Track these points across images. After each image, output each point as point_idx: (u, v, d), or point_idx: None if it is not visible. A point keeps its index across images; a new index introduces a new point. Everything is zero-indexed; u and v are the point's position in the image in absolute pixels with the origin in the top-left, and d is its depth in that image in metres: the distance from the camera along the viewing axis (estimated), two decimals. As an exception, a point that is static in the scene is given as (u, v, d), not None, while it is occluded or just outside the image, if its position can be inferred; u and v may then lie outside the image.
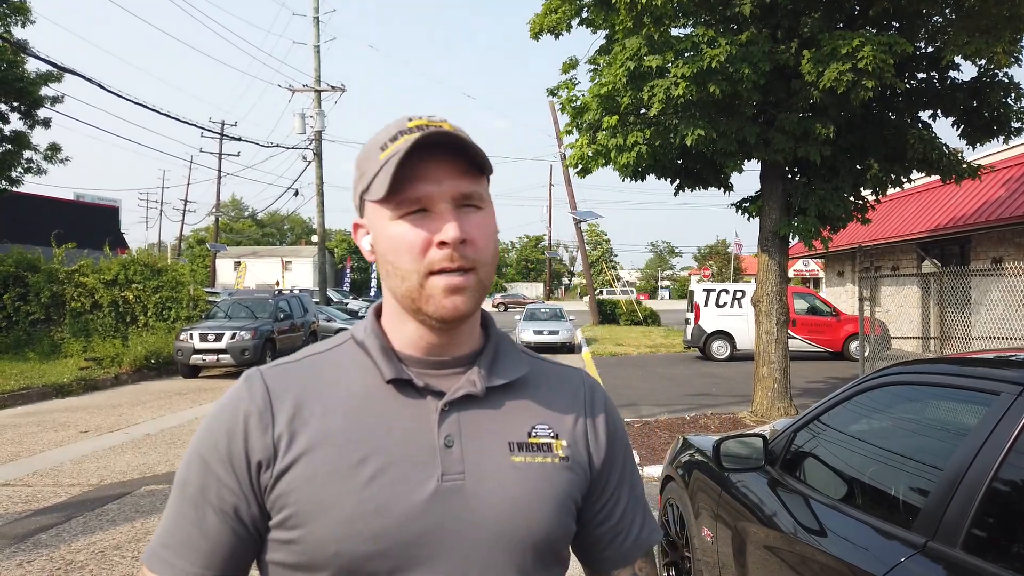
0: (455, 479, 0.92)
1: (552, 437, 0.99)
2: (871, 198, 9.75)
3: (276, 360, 1.01)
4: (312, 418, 0.92)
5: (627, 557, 1.07)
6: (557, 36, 9.32)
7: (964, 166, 8.80)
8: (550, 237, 62.54)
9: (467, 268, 0.91)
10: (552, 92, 9.62)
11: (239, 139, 29.18)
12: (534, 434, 0.98)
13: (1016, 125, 8.60)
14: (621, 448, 1.07)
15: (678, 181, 9.87)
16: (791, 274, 25.14)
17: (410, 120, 0.94)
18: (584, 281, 36.55)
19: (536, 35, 9.34)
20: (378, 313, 1.03)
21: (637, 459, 7.29)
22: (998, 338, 9.57)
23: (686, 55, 7.65)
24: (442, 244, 0.90)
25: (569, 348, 20.59)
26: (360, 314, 27.99)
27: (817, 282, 33.03)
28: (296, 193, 31.48)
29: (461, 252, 0.90)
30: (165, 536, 0.93)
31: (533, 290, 73.58)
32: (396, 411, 0.94)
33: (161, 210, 59.51)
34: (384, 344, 0.98)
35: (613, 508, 1.05)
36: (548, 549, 0.96)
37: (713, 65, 7.26)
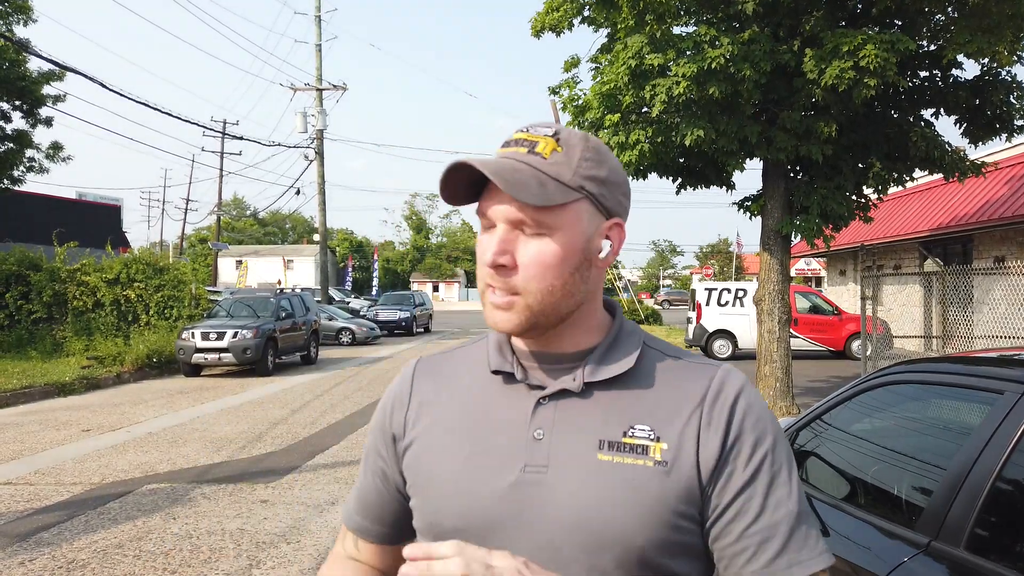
0: (537, 471, 0.93)
1: (652, 440, 0.92)
2: (873, 197, 9.73)
3: (442, 349, 1.15)
4: (437, 403, 1.04)
5: None
6: (559, 34, 9.32)
7: (967, 163, 8.79)
8: (551, 236, 62.38)
9: (509, 291, 0.93)
10: (554, 91, 9.62)
11: (241, 138, 29.18)
12: (631, 434, 0.93)
13: (1019, 123, 8.59)
14: (751, 455, 0.92)
15: (680, 180, 9.87)
16: (793, 273, 25.13)
17: (519, 131, 0.97)
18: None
19: (538, 33, 9.34)
20: None
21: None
22: (1000, 337, 9.56)
23: (688, 54, 7.64)
24: (487, 263, 0.94)
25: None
26: (361, 313, 28.00)
27: (819, 281, 33.01)
28: (298, 192, 31.58)
29: (501, 275, 0.93)
30: (353, 494, 1.15)
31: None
32: (498, 401, 1.00)
33: (163, 209, 59.56)
34: (502, 337, 1.04)
35: (732, 523, 0.91)
36: (631, 556, 0.88)
37: (714, 66, 7.25)
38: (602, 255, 0.97)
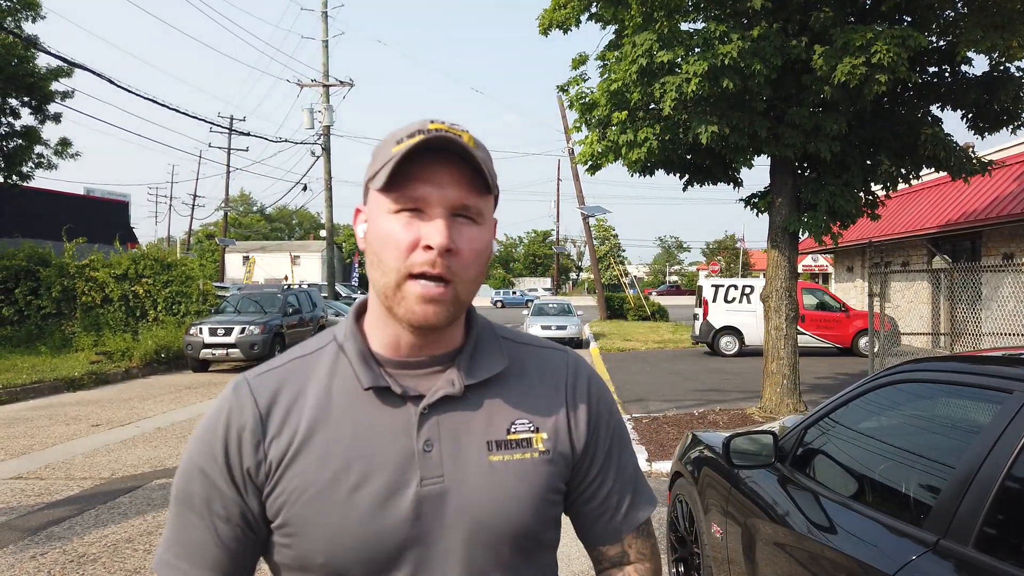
0: (435, 482, 0.93)
1: (532, 431, 0.99)
2: (881, 193, 9.69)
3: (261, 365, 1.02)
4: (298, 429, 0.94)
5: (615, 534, 1.08)
6: (566, 31, 9.29)
7: (974, 162, 8.74)
8: (558, 232, 62.44)
9: (446, 279, 0.91)
10: (562, 89, 9.59)
11: (248, 134, 29.18)
12: (513, 430, 0.99)
13: (1027, 117, 8.53)
14: (606, 430, 1.07)
15: (687, 176, 9.84)
16: (800, 269, 25.06)
17: (432, 122, 0.94)
18: (592, 276, 36.54)
19: (545, 30, 9.32)
20: (359, 312, 1.04)
21: (635, 437, 7.31)
22: (1009, 334, 9.52)
23: (697, 50, 7.62)
24: (428, 248, 0.90)
25: (577, 343, 20.58)
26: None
27: (826, 277, 32.88)
28: (305, 188, 31.51)
29: (445, 260, 0.90)
30: (175, 546, 0.96)
31: (541, 285, 73.50)
32: (375, 418, 0.95)
33: (170, 205, 59.78)
34: (362, 348, 0.98)
35: (598, 489, 1.06)
36: (527, 541, 0.98)
37: (726, 61, 7.23)
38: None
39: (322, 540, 0.91)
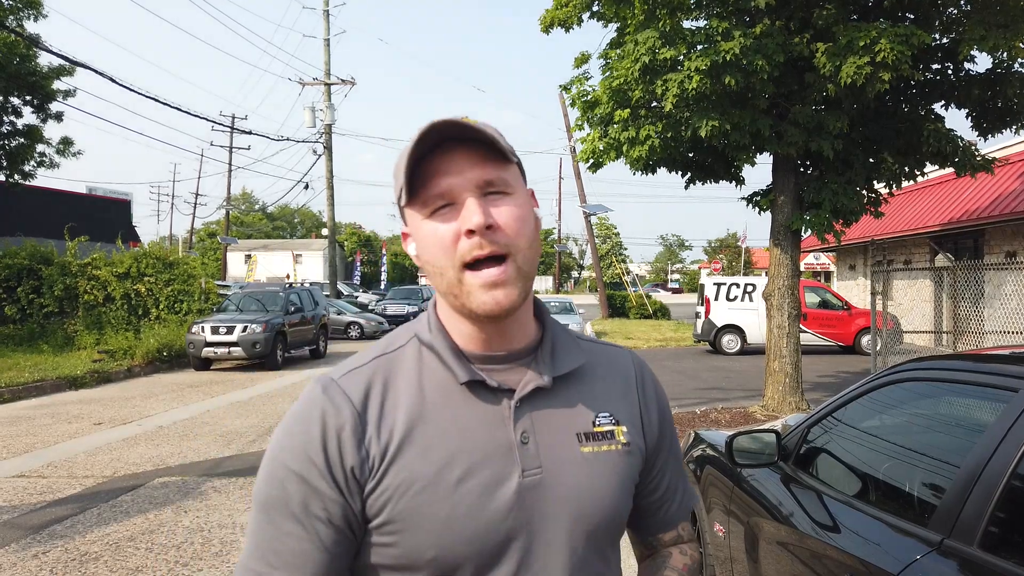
0: (534, 474, 0.95)
1: (613, 424, 1.03)
2: (884, 191, 9.67)
3: (344, 365, 1.00)
4: (396, 425, 0.94)
5: (672, 521, 1.15)
6: (567, 29, 9.28)
7: (979, 159, 8.72)
8: (560, 230, 62.50)
9: (501, 255, 0.91)
10: (564, 87, 9.59)
11: (249, 132, 29.23)
12: (598, 423, 1.02)
13: (1031, 116, 8.50)
14: (668, 425, 1.13)
15: (689, 174, 9.83)
16: (802, 267, 25.07)
17: (430, 123, 0.93)
18: (594, 274, 36.53)
19: (547, 29, 9.31)
20: (435, 307, 1.04)
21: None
22: (1012, 332, 9.50)
23: (699, 48, 7.60)
24: (469, 232, 0.89)
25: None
26: (370, 307, 28.07)
27: (828, 276, 32.85)
28: (306, 187, 31.50)
29: (490, 238, 0.90)
30: (268, 555, 0.92)
31: (543, 283, 73.50)
32: (472, 411, 0.96)
33: (172, 203, 59.86)
34: (451, 344, 0.98)
35: (661, 480, 1.13)
36: (616, 528, 1.02)
37: (728, 58, 7.21)
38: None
39: (433, 533, 0.90)
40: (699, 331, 18.22)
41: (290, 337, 15.79)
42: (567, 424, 0.99)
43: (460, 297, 0.92)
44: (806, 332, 15.40)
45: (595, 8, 9.03)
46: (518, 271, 0.92)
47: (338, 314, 22.92)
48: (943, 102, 8.75)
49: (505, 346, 0.99)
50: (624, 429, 1.03)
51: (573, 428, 0.99)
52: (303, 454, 0.92)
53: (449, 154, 0.91)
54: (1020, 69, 8.34)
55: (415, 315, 31.14)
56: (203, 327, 14.54)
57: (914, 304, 15.68)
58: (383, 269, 52.04)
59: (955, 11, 8.20)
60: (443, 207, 0.92)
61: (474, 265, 0.90)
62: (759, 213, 9.52)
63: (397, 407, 0.95)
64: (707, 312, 17.84)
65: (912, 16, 8.37)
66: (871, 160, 8.96)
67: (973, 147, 8.77)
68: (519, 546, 0.93)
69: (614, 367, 1.09)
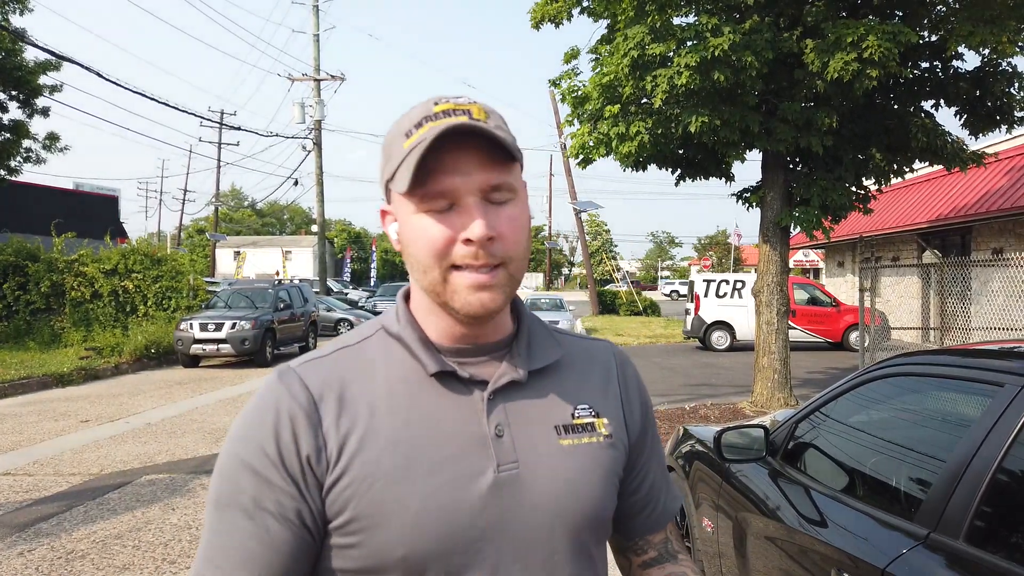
0: (510, 468, 0.91)
1: (594, 416, 0.99)
2: (873, 188, 9.72)
3: (304, 356, 0.96)
4: (359, 416, 0.89)
5: (658, 523, 1.10)
6: (558, 25, 9.26)
7: (968, 154, 8.77)
8: (550, 227, 62.54)
9: (494, 264, 0.88)
10: (554, 83, 9.57)
11: (238, 128, 29.05)
12: (577, 415, 0.98)
13: (1019, 114, 8.55)
14: (651, 420, 1.10)
15: (679, 171, 9.84)
16: (791, 264, 25.16)
17: (436, 104, 0.89)
18: (584, 271, 36.57)
19: (537, 24, 9.29)
20: (405, 298, 1.00)
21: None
22: (999, 329, 9.57)
23: (689, 44, 7.61)
24: (468, 241, 0.86)
25: (569, 338, 20.57)
26: (360, 304, 28.00)
27: (817, 272, 33.01)
28: (296, 183, 31.41)
29: (488, 250, 0.86)
30: (217, 554, 0.86)
31: (533, 280, 73.50)
32: (442, 404, 0.92)
33: (160, 199, 59.51)
34: (421, 336, 0.95)
35: (645, 478, 1.08)
36: (599, 525, 0.97)
37: (717, 54, 7.22)
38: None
39: (401, 531, 0.85)
40: (689, 328, 18.29)
41: (279, 334, 15.72)
42: (544, 416, 0.95)
43: (443, 296, 0.89)
44: (795, 328, 15.47)
45: (585, 3, 9.02)
46: (509, 278, 0.90)
47: (328, 311, 22.84)
48: (932, 100, 8.79)
49: (479, 339, 0.96)
50: (605, 421, 0.99)
51: (551, 420, 0.95)
52: (256, 445, 0.87)
53: (455, 150, 0.86)
54: (1007, 67, 8.39)
55: (405, 312, 32.12)
56: (191, 324, 14.46)
57: (902, 300, 15.78)
58: (373, 266, 51.97)
59: (943, 8, 8.23)
60: (441, 205, 0.87)
61: (463, 265, 0.87)
62: (748, 209, 9.56)
63: (359, 398, 0.90)
64: (697, 309, 17.91)
65: (900, 13, 8.41)
66: (860, 157, 8.99)
67: (962, 143, 8.82)
68: (495, 544, 0.88)
69: (594, 361, 1.06)
